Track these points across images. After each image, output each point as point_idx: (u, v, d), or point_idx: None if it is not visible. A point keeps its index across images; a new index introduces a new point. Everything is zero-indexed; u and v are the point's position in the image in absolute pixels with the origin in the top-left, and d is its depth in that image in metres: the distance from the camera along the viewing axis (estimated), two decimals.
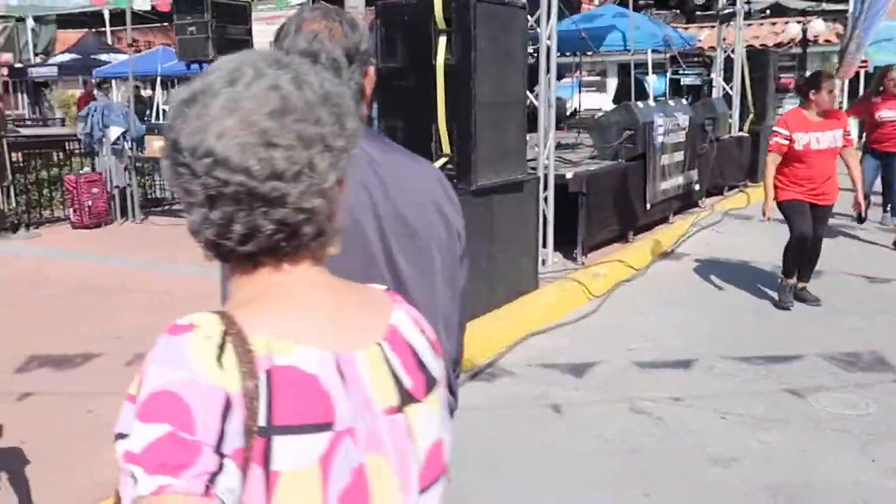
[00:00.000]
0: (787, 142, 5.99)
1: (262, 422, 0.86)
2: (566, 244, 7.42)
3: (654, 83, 15.85)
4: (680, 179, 9.38)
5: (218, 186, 0.90)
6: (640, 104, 8.57)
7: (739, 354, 5.29)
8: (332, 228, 0.98)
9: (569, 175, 7.14)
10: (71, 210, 9.33)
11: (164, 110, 19.43)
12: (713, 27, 15.00)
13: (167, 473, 0.81)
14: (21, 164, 10.12)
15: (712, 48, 13.70)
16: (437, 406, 1.06)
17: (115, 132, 9.34)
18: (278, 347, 0.90)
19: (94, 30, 27.94)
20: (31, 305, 6.27)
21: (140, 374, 0.88)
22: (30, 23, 32.77)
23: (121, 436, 0.86)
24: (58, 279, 7.01)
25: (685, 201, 9.86)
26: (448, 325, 1.70)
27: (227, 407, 0.84)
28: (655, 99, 12.49)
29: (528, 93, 6.83)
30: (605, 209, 7.70)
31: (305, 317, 0.96)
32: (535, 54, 11.51)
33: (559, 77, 14.02)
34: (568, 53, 15.14)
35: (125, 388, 1.58)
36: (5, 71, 28.63)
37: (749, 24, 19.48)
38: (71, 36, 30.81)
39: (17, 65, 29.58)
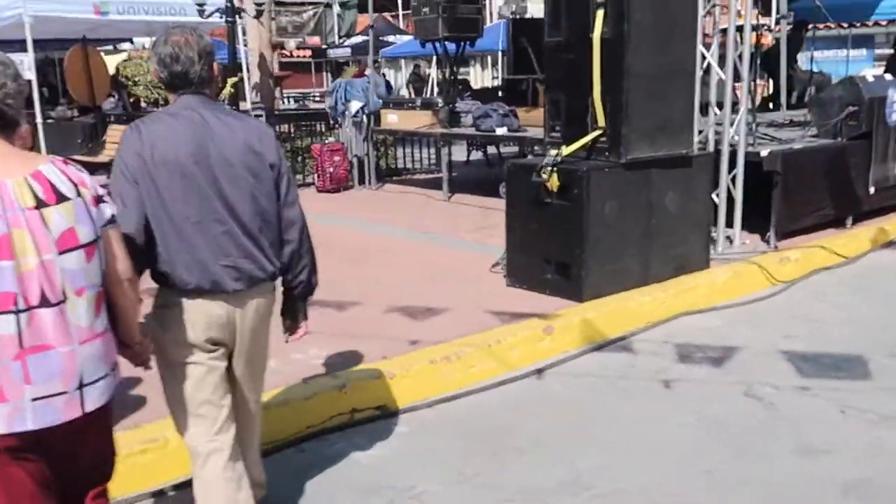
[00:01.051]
0: None
1: None
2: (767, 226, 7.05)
3: None
4: None
5: None
6: (869, 77, 7.80)
7: None
8: (17, 118, 2.00)
9: (763, 153, 6.75)
10: (316, 175, 10.47)
11: (437, 86, 20.68)
12: None
13: None
14: (288, 135, 11.55)
15: None
16: (67, 209, 1.95)
17: (354, 106, 10.30)
18: None
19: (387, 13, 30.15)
20: None
21: None
22: (336, 8, 36.29)
23: None
24: None
25: None
26: (267, 220, 2.71)
27: None
28: None
29: (716, 67, 6.60)
30: (812, 191, 7.16)
31: None
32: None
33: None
34: (822, 26, 13.95)
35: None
36: (309, 52, 32.01)
37: None
38: (367, 19, 33.19)
39: (323, 47, 32.86)
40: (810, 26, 13.37)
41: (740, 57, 6.53)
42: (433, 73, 23.47)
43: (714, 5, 6.58)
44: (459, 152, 13.13)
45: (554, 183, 5.31)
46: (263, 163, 2.68)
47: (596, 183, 5.29)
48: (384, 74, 27.94)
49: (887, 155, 7.78)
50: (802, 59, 21.22)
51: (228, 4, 10.45)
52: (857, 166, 7.56)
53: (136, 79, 9.31)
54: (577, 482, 3.40)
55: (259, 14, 10.56)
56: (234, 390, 2.84)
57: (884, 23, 16.65)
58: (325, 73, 35.50)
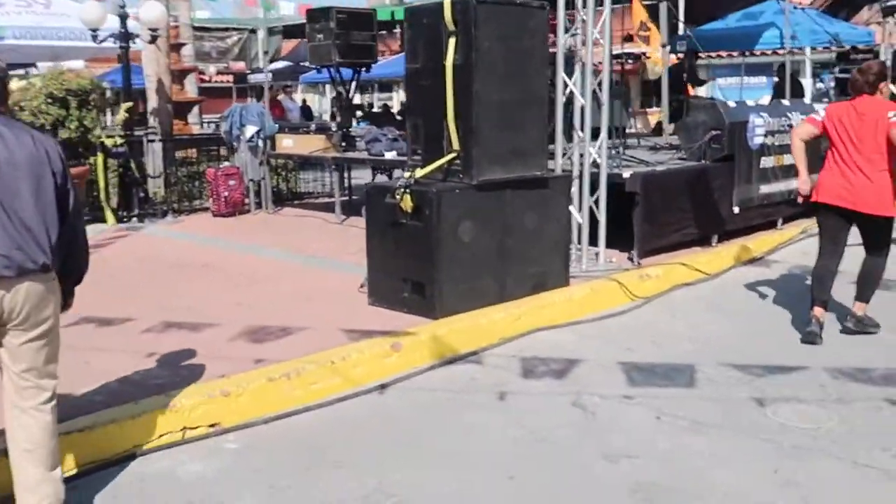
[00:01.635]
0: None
1: None
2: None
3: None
4: (794, 183, 8.81)
5: None
6: (731, 103, 8.22)
7: (741, 362, 5.07)
8: None
9: (626, 175, 7.05)
10: (210, 200, 10.48)
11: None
12: None
13: None
14: (185, 159, 11.54)
15: None
16: None
17: (250, 130, 10.35)
18: None
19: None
20: (128, 276, 7.24)
21: None
22: (261, 34, 36.17)
23: None
24: (165, 256, 8.01)
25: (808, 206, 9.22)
26: (45, 220, 3.05)
27: None
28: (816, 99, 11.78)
29: (578, 93, 6.87)
30: (676, 211, 7.48)
31: None
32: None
33: (698, 79, 13.42)
34: (714, 54, 14.59)
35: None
36: (231, 77, 31.95)
37: None
38: (292, 45, 33.17)
39: (247, 72, 32.75)
40: (702, 55, 13.93)
41: (600, 85, 6.81)
42: (355, 98, 23.67)
43: (574, 34, 6.86)
44: (367, 175, 13.26)
45: (407, 204, 5.47)
46: (47, 171, 3.09)
47: (447, 203, 5.46)
48: (304, 100, 28.01)
49: (750, 177, 8.17)
50: (709, 87, 21.95)
51: (122, 30, 10.43)
52: (722, 187, 7.92)
53: (22, 104, 9.19)
54: (382, 492, 3.51)
55: (154, 39, 10.54)
56: (16, 383, 3.16)
57: (782, 52, 17.45)
58: (248, 98, 35.35)
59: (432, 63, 5.70)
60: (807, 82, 15.31)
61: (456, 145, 5.61)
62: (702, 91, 16.95)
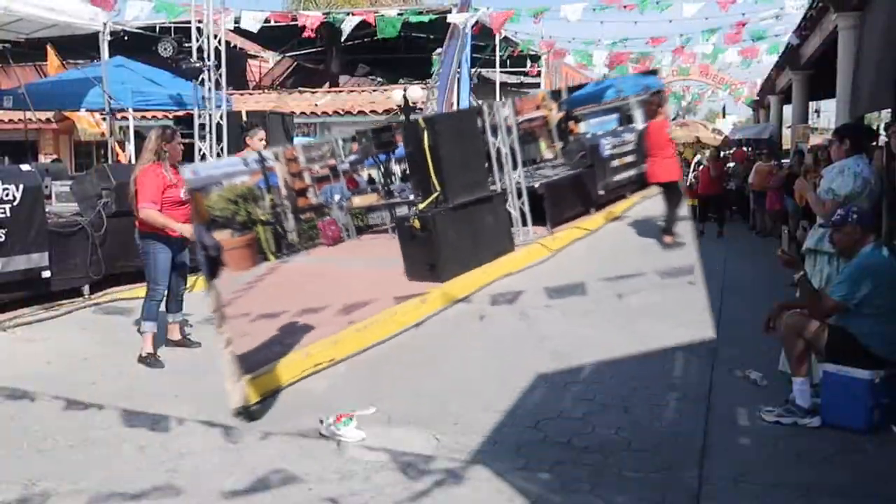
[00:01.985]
0: None
1: None
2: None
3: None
4: (632, 172, 8.70)
5: None
6: (590, 135, 8.14)
7: (608, 276, 5.09)
8: None
9: (536, 185, 7.04)
10: (322, 238, 10.65)
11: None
12: None
13: None
14: (306, 219, 11.73)
15: None
16: None
17: (336, 197, 10.50)
18: None
19: None
20: (281, 288, 7.34)
21: None
22: (340, 142, 36.59)
23: None
24: (300, 272, 8.13)
25: (644, 184, 9.11)
26: None
27: None
28: None
29: (501, 146, 6.84)
30: (567, 199, 7.45)
31: None
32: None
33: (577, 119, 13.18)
34: (585, 108, 14.36)
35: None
36: (326, 169, 32.22)
37: None
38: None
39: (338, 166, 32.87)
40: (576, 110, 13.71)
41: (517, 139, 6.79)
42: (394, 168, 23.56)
43: (492, 114, 6.82)
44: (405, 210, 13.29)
45: (416, 224, 5.55)
46: None
47: (439, 221, 5.54)
48: (369, 175, 28.18)
49: (605, 173, 8.09)
50: (585, 126, 21.25)
51: (259, 158, 10.60)
52: (591, 182, 7.84)
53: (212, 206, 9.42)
54: (415, 389, 3.55)
55: (276, 157, 10.75)
56: None
57: (619, 100, 16.90)
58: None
59: (418, 149, 5.75)
60: (639, 113, 14.92)
61: (438, 187, 5.67)
62: (582, 127, 16.72)
